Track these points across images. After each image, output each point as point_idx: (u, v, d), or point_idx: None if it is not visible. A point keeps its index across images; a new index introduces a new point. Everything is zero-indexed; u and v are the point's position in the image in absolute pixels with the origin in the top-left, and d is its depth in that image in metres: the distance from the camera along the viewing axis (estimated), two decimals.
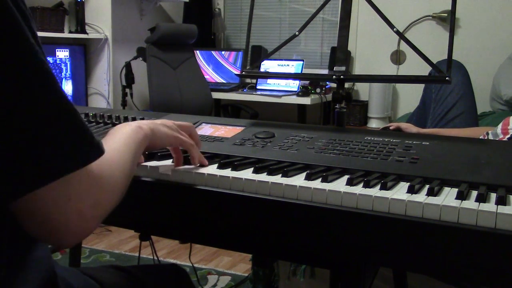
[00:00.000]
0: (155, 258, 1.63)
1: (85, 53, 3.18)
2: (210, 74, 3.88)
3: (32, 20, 0.59)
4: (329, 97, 3.45)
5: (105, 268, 0.93)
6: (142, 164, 0.94)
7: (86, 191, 0.61)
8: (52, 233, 0.60)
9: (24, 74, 0.56)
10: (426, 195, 0.76)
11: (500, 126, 1.59)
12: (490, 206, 0.71)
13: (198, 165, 0.92)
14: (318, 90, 3.44)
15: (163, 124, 0.88)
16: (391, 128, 1.78)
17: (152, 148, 0.87)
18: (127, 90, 3.29)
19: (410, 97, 3.58)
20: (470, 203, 0.72)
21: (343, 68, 1.27)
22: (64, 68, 3.08)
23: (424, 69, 1.62)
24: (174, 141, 0.89)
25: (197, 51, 3.82)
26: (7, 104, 0.54)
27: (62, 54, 3.05)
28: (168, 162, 0.96)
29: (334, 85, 1.30)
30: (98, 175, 0.63)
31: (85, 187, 0.61)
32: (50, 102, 0.58)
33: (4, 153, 0.54)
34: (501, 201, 0.72)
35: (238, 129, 1.16)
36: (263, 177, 0.84)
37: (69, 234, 0.61)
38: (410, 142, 1.02)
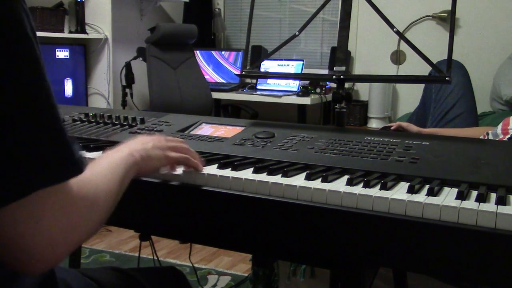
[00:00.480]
0: (155, 258, 1.63)
1: (85, 53, 3.18)
2: (210, 74, 3.88)
3: (32, 19, 0.59)
4: (329, 97, 3.45)
5: (105, 269, 0.93)
6: None
7: (60, 212, 0.55)
8: (16, 258, 0.54)
9: (14, 73, 0.53)
10: (426, 195, 0.76)
11: (500, 126, 1.59)
12: (490, 206, 0.71)
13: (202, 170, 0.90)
14: (318, 90, 3.44)
15: (154, 147, 0.85)
16: (391, 128, 1.78)
17: (144, 174, 0.84)
18: (127, 90, 3.29)
19: (410, 97, 3.58)
20: (470, 203, 0.72)
21: (343, 68, 1.27)
22: (64, 68, 3.08)
23: (424, 69, 1.62)
24: (166, 162, 0.88)
25: (197, 51, 3.82)
26: None
27: (62, 54, 3.05)
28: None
29: (334, 85, 1.30)
30: (77, 196, 0.58)
31: (59, 208, 0.55)
32: (30, 110, 0.53)
33: None
34: (501, 201, 0.72)
35: (238, 129, 1.16)
36: (263, 177, 0.84)
37: (36, 261, 0.54)
38: (410, 142, 1.02)
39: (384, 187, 0.78)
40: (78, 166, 0.58)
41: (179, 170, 0.91)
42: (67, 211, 0.56)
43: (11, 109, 0.52)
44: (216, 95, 3.54)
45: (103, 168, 0.70)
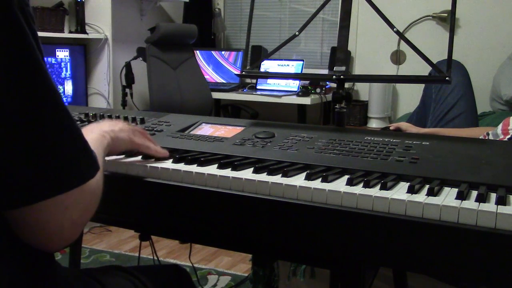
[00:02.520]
0: (155, 258, 1.63)
1: (85, 53, 3.18)
2: (210, 74, 3.88)
3: (34, 23, 0.61)
4: (329, 97, 3.44)
5: (107, 268, 0.93)
6: (142, 164, 0.94)
7: (80, 200, 0.64)
8: (45, 240, 0.63)
9: (32, 94, 0.59)
10: (426, 195, 0.76)
11: (500, 126, 1.59)
12: (490, 206, 0.71)
13: (166, 155, 0.98)
14: (318, 90, 3.44)
15: (121, 130, 0.93)
16: (391, 128, 1.79)
17: (111, 154, 0.93)
18: (127, 90, 3.29)
19: (410, 97, 3.58)
20: (470, 203, 0.72)
21: (343, 68, 1.27)
22: (64, 68, 3.08)
23: (424, 69, 1.62)
24: (131, 146, 0.95)
25: (197, 51, 3.82)
26: (17, 120, 0.58)
27: (62, 54, 3.05)
28: (169, 161, 0.96)
29: (334, 85, 1.30)
30: (88, 186, 0.66)
31: (79, 196, 0.64)
32: (58, 122, 0.62)
33: (11, 164, 0.58)
34: (501, 201, 0.72)
35: (238, 129, 1.16)
36: (263, 177, 0.84)
37: (61, 240, 0.64)
38: (410, 142, 1.02)
39: (384, 187, 0.78)
40: (97, 165, 0.68)
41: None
42: (83, 198, 0.65)
43: (33, 118, 0.59)
44: (216, 95, 3.54)
45: (97, 151, 0.77)
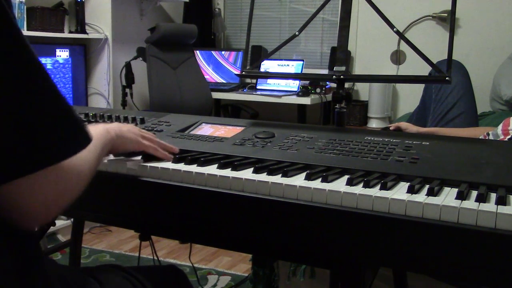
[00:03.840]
0: (155, 258, 1.63)
1: (85, 53, 3.18)
2: (210, 74, 3.88)
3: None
4: (329, 97, 3.44)
5: (105, 267, 0.93)
6: (142, 164, 0.94)
7: (53, 183, 0.62)
8: (16, 218, 0.61)
9: (15, 63, 0.57)
10: (426, 195, 0.76)
11: (500, 126, 1.59)
12: (490, 206, 0.71)
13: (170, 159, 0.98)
14: (318, 90, 3.43)
15: (129, 131, 0.95)
16: (391, 128, 1.79)
17: (115, 151, 0.94)
18: (127, 90, 3.29)
19: (410, 97, 3.58)
20: (470, 203, 0.72)
21: (343, 68, 1.27)
22: (64, 68, 3.08)
23: (424, 69, 1.62)
24: (137, 146, 0.96)
25: (197, 51, 3.82)
26: None
27: (62, 54, 3.05)
28: (169, 161, 0.96)
29: (334, 85, 1.30)
30: (67, 168, 0.64)
31: (52, 180, 0.62)
32: (42, 92, 0.59)
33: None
34: (501, 201, 0.72)
35: (238, 129, 1.16)
36: (263, 177, 0.84)
37: (32, 220, 0.62)
38: (410, 142, 1.02)
39: (384, 187, 0.78)
40: (85, 136, 0.65)
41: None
42: (60, 180, 0.63)
43: (19, 92, 0.57)
44: (216, 95, 3.54)
45: None
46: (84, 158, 0.69)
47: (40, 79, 0.60)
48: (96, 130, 0.83)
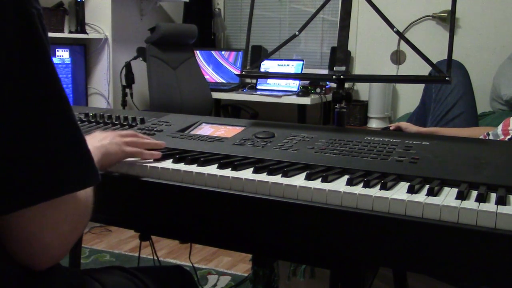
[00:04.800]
0: (155, 258, 1.63)
1: (85, 53, 3.18)
2: (210, 74, 3.88)
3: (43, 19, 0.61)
4: (329, 97, 3.44)
5: (108, 269, 0.93)
6: (142, 164, 0.94)
7: (69, 218, 0.61)
8: (31, 256, 0.60)
9: (38, 88, 0.58)
10: (426, 195, 0.76)
11: (500, 126, 1.59)
12: (490, 206, 0.71)
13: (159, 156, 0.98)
14: (318, 90, 3.43)
15: (111, 143, 0.93)
16: (391, 128, 1.79)
17: (103, 169, 0.92)
18: (127, 90, 3.29)
19: (410, 97, 3.58)
20: (470, 203, 0.72)
21: (343, 68, 1.27)
22: (64, 68, 3.08)
23: (424, 69, 1.62)
24: (124, 156, 0.95)
25: (197, 51, 3.82)
26: (14, 115, 0.55)
27: (62, 54, 3.05)
28: (169, 161, 0.96)
29: (334, 85, 1.30)
30: (79, 201, 0.63)
31: (69, 214, 0.61)
32: (58, 119, 0.59)
33: (6, 164, 0.55)
34: (501, 201, 0.72)
35: (238, 129, 1.16)
36: (263, 177, 0.84)
37: (47, 258, 0.61)
38: (410, 142, 1.02)
39: (384, 187, 0.78)
40: (98, 176, 0.64)
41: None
42: (74, 214, 0.62)
43: (38, 117, 0.57)
44: (216, 95, 3.54)
45: None
46: (89, 190, 0.69)
47: (63, 107, 0.60)
48: None
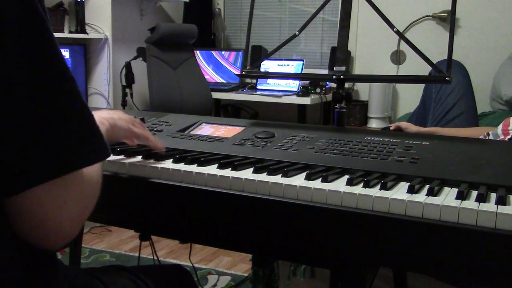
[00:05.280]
0: (155, 258, 1.63)
1: (85, 53, 3.18)
2: (210, 74, 3.88)
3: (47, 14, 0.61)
4: (329, 97, 3.44)
5: (110, 268, 0.93)
6: (142, 164, 0.94)
7: (80, 196, 0.61)
8: (44, 237, 0.60)
9: (43, 67, 0.57)
10: (426, 195, 0.76)
11: (500, 126, 1.59)
12: (490, 206, 0.71)
13: (163, 150, 0.98)
14: (318, 90, 3.44)
15: (120, 118, 0.93)
16: (391, 128, 1.79)
17: (109, 142, 0.89)
18: (127, 90, 3.29)
19: (410, 97, 3.58)
20: (470, 203, 0.72)
21: (343, 68, 1.27)
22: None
23: (424, 69, 1.62)
24: (130, 134, 0.95)
25: (197, 51, 3.82)
26: (21, 95, 0.55)
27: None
28: (169, 161, 0.96)
29: (334, 85, 1.30)
30: (88, 180, 0.63)
31: (80, 192, 0.61)
32: (64, 97, 0.59)
33: (13, 144, 0.55)
34: (501, 201, 0.72)
35: (238, 129, 1.16)
36: (263, 177, 0.84)
37: (59, 238, 0.61)
38: (410, 142, 1.02)
39: (384, 187, 0.78)
40: (107, 151, 0.63)
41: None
42: (83, 194, 0.62)
43: (45, 95, 0.57)
44: (216, 95, 3.54)
45: None
46: (98, 166, 0.67)
47: (69, 86, 0.60)
48: None
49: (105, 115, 0.89)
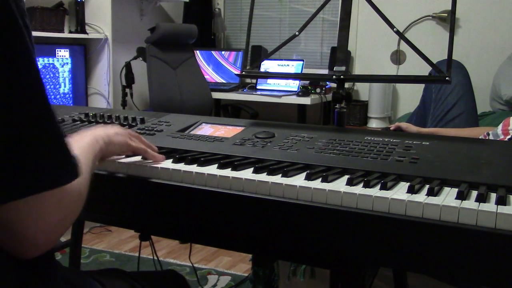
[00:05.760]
0: (155, 258, 1.63)
1: (85, 53, 3.18)
2: (210, 74, 3.88)
3: (28, 17, 0.60)
4: (329, 97, 3.44)
5: (108, 271, 0.93)
6: (142, 164, 0.94)
7: (56, 208, 0.61)
8: (17, 245, 0.60)
9: (16, 84, 0.57)
10: (426, 195, 0.76)
11: (500, 126, 1.59)
12: (490, 206, 0.71)
13: (162, 160, 0.97)
14: (318, 90, 3.44)
15: (116, 134, 0.92)
16: (391, 128, 1.79)
17: (106, 158, 0.91)
18: (127, 90, 3.29)
19: (410, 97, 3.58)
20: (470, 203, 0.72)
21: (343, 68, 1.27)
22: (64, 68, 3.08)
23: (424, 69, 1.62)
24: (127, 149, 0.94)
25: (197, 51, 3.82)
26: None
27: (62, 54, 3.05)
28: (169, 161, 0.96)
29: (334, 85, 1.30)
30: (70, 191, 0.63)
31: (56, 205, 0.61)
32: (38, 120, 0.59)
33: None
34: (501, 201, 0.72)
35: (238, 129, 1.16)
36: (263, 177, 0.84)
37: (34, 248, 0.61)
38: (410, 142, 1.02)
39: (384, 187, 0.78)
40: (76, 171, 0.64)
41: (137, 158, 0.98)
42: (62, 205, 0.62)
43: (16, 117, 0.57)
44: (216, 95, 3.54)
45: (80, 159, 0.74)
46: (81, 178, 0.67)
47: (42, 105, 0.60)
48: (84, 140, 0.81)
49: (100, 133, 0.88)
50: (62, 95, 3.08)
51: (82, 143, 0.80)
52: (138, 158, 0.98)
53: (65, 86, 3.10)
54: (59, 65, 3.05)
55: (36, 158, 0.58)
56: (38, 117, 0.59)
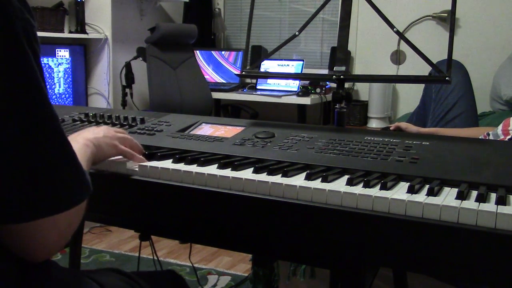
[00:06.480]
0: (155, 258, 1.63)
1: (85, 53, 3.18)
2: (210, 74, 3.88)
3: (38, 43, 0.62)
4: (329, 97, 3.44)
5: (106, 271, 0.93)
6: (142, 164, 0.94)
7: (69, 218, 0.65)
8: (32, 251, 0.63)
9: (31, 118, 0.59)
10: (426, 195, 0.76)
11: (500, 126, 1.59)
12: (490, 206, 0.71)
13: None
14: (318, 90, 3.43)
15: (105, 136, 0.93)
16: (391, 128, 1.79)
17: (96, 163, 0.92)
18: (127, 90, 3.29)
19: (410, 97, 3.58)
20: (470, 203, 0.72)
21: (343, 68, 1.27)
22: (64, 68, 3.08)
23: (424, 69, 1.62)
24: (115, 152, 0.95)
25: (197, 51, 3.82)
26: (16, 143, 0.58)
27: (62, 54, 3.05)
28: (169, 161, 0.96)
29: (334, 85, 1.30)
30: (81, 206, 0.66)
31: (69, 216, 0.64)
32: (56, 147, 0.62)
33: (8, 183, 0.58)
34: (501, 201, 0.72)
35: (238, 129, 1.16)
36: (263, 177, 0.84)
37: (47, 252, 0.65)
38: (410, 142, 1.02)
39: (384, 187, 0.78)
40: (90, 186, 0.67)
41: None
42: (74, 216, 0.66)
43: (32, 140, 0.60)
44: (216, 95, 3.54)
45: None
46: None
47: (56, 129, 0.63)
48: (75, 146, 0.81)
49: (90, 136, 0.89)
50: (57, 95, 3.07)
51: (76, 148, 0.80)
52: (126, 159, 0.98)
53: (65, 86, 3.10)
54: (59, 65, 3.05)
55: (56, 180, 0.62)
56: (55, 144, 0.62)
